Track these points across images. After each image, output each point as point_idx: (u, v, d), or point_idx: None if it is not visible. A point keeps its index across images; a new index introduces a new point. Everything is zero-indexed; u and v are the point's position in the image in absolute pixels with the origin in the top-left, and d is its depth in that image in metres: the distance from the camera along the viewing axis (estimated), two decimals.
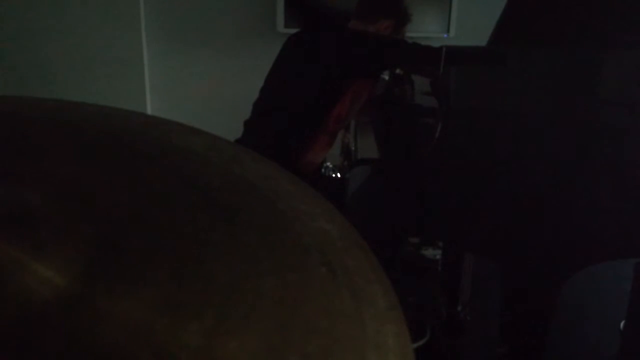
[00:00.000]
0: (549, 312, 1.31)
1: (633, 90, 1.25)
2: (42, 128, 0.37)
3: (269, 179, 0.35)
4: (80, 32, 2.78)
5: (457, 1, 2.93)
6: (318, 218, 0.31)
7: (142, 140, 0.37)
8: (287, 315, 0.24)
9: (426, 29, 2.95)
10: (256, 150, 0.38)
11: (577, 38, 1.41)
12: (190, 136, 0.39)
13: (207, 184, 0.33)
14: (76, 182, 0.32)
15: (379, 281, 0.27)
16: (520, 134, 1.26)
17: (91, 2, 2.76)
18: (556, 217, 1.26)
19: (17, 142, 0.35)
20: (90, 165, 0.34)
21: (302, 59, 1.84)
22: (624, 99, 1.25)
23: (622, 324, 1.79)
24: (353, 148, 2.31)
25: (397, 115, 1.88)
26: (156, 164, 0.35)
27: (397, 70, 1.94)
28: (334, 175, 2.41)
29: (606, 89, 1.25)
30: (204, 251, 0.27)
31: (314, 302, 0.25)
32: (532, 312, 1.32)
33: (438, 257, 2.44)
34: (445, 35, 2.98)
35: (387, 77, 2.00)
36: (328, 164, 2.48)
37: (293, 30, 2.03)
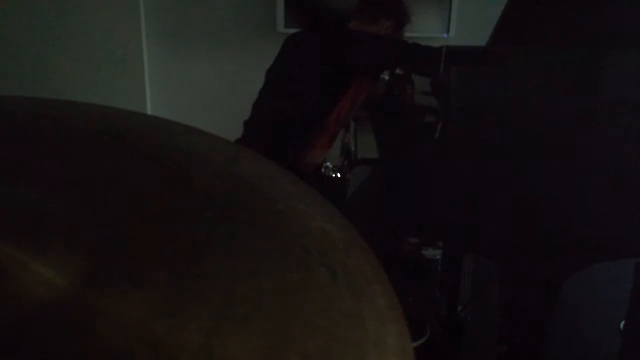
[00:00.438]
0: (549, 312, 1.31)
1: (633, 90, 1.25)
2: (42, 128, 0.37)
3: (269, 179, 0.35)
4: (80, 32, 2.78)
5: (457, 1, 2.93)
6: (318, 218, 0.31)
7: (142, 140, 0.37)
8: (287, 315, 0.24)
9: (426, 29, 2.95)
10: (256, 150, 0.38)
11: (577, 38, 1.41)
12: (190, 136, 0.39)
13: (207, 184, 0.33)
14: (76, 182, 0.32)
15: (379, 281, 0.27)
16: (520, 134, 1.26)
17: (91, 2, 2.76)
18: (556, 217, 1.26)
19: (17, 142, 0.35)
20: (90, 165, 0.34)
21: (302, 60, 1.84)
22: (624, 99, 1.25)
23: (622, 324, 1.79)
24: (353, 148, 2.31)
25: (397, 115, 1.88)
26: (156, 164, 0.35)
27: (397, 70, 1.94)
28: (334, 175, 2.41)
29: (606, 89, 1.25)
30: (204, 251, 0.27)
31: (314, 302, 0.25)
32: (532, 312, 1.32)
33: (438, 257, 2.44)
34: (445, 35, 2.97)
35: (387, 77, 2.00)
36: (328, 164, 2.48)
37: (293, 31, 2.03)
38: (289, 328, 0.23)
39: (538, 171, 1.25)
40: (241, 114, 1.89)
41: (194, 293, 0.24)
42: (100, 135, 0.37)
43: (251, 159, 0.37)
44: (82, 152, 0.35)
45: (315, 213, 0.32)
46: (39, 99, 0.42)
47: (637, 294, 1.57)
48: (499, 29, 1.49)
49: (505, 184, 1.27)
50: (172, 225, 0.29)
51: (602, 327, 2.05)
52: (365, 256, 0.29)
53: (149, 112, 2.96)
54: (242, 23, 2.98)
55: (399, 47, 1.76)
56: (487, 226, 1.28)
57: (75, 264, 0.24)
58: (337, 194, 1.92)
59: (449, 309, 2.05)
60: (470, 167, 1.29)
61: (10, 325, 0.21)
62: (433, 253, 2.50)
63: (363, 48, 1.74)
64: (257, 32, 2.97)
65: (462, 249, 1.89)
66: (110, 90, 2.82)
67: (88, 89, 2.81)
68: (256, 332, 0.22)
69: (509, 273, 1.35)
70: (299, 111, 1.75)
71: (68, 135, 0.37)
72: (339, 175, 2.40)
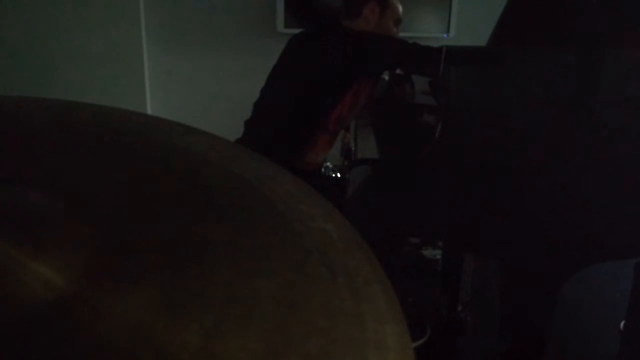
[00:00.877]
0: (549, 311, 1.31)
1: (633, 90, 1.25)
2: (42, 128, 0.37)
3: (269, 179, 0.35)
4: (80, 32, 2.78)
5: (457, 1, 2.93)
6: (318, 218, 0.31)
7: (142, 140, 0.37)
8: (287, 315, 0.24)
9: (426, 29, 2.95)
10: (257, 150, 0.38)
11: (577, 38, 1.41)
12: (190, 136, 0.39)
13: (207, 184, 0.33)
14: (76, 182, 0.32)
15: (379, 281, 0.27)
16: (520, 134, 1.26)
17: (91, 2, 2.76)
18: (556, 217, 1.26)
19: (17, 142, 0.35)
20: (90, 165, 0.34)
21: (304, 60, 1.84)
22: (624, 99, 1.25)
23: (622, 324, 1.79)
24: (353, 148, 2.31)
25: (397, 115, 1.88)
26: (156, 164, 0.35)
27: (397, 70, 1.94)
28: (334, 175, 2.41)
29: (606, 89, 1.25)
30: (204, 251, 0.27)
31: (314, 302, 0.25)
32: (532, 312, 1.32)
33: (438, 257, 2.44)
34: (445, 35, 2.97)
35: (387, 77, 2.00)
36: (328, 164, 2.48)
37: (293, 30, 2.03)
38: (289, 328, 0.23)
39: (538, 171, 1.25)
40: (241, 114, 1.89)
41: (194, 293, 0.24)
42: (100, 135, 0.37)
43: (251, 159, 0.37)
44: (82, 152, 0.35)
45: (315, 213, 0.32)
46: (39, 99, 0.42)
47: (637, 294, 1.57)
48: (499, 29, 1.49)
49: (505, 184, 1.27)
50: (172, 225, 0.29)
51: (602, 327, 2.05)
52: (365, 256, 0.29)
53: (149, 112, 2.96)
54: (242, 23, 2.98)
55: (400, 47, 1.76)
56: (486, 226, 1.28)
57: (75, 264, 0.24)
58: (337, 194, 1.92)
59: (449, 309, 2.04)
60: (470, 167, 1.29)
61: (10, 325, 0.21)
62: (433, 253, 2.50)
63: (364, 47, 1.74)
64: (257, 32, 2.97)
65: (462, 249, 1.89)
66: (110, 90, 2.82)
67: (88, 89, 2.81)
68: (256, 332, 0.22)
69: (509, 273, 1.35)
70: (300, 111, 1.75)
71: (68, 135, 0.37)
72: (339, 175, 2.40)
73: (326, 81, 1.73)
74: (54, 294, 0.23)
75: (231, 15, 2.97)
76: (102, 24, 2.78)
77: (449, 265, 2.13)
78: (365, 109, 1.99)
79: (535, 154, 1.26)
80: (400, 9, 1.88)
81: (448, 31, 2.97)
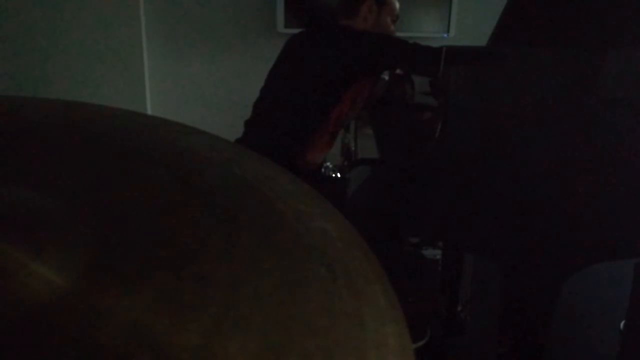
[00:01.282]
0: (549, 312, 1.31)
1: (633, 90, 1.25)
2: (42, 128, 0.37)
3: (269, 179, 0.35)
4: (80, 32, 2.78)
5: (457, 1, 2.93)
6: (318, 218, 0.31)
7: (142, 140, 0.37)
8: (287, 315, 0.24)
9: (426, 29, 2.95)
10: (257, 150, 0.38)
11: (577, 38, 1.41)
12: (190, 136, 0.39)
13: (207, 184, 0.33)
14: (76, 182, 0.32)
15: (379, 281, 0.27)
16: (520, 134, 1.26)
17: (91, 2, 2.76)
18: (556, 217, 1.26)
19: (17, 142, 0.35)
20: (90, 165, 0.34)
21: (303, 60, 1.84)
22: (624, 98, 1.25)
23: (622, 324, 1.79)
24: (353, 148, 2.31)
25: (397, 115, 1.88)
26: (156, 164, 0.35)
27: (397, 70, 1.94)
28: (334, 175, 2.41)
29: (606, 89, 1.25)
30: (204, 251, 0.27)
31: (314, 302, 0.25)
32: (532, 313, 1.32)
33: (438, 257, 2.44)
34: (445, 35, 2.97)
35: (387, 77, 2.00)
36: (328, 164, 2.48)
37: (293, 30, 2.03)
38: (289, 328, 0.23)
39: (538, 171, 1.25)
40: (241, 114, 1.89)
41: (194, 293, 0.24)
42: (101, 135, 0.37)
43: (251, 159, 0.37)
44: (82, 152, 0.35)
45: (315, 213, 0.32)
46: (39, 99, 0.42)
47: (637, 294, 1.57)
48: (499, 29, 1.49)
49: (505, 184, 1.27)
50: (172, 225, 0.29)
51: (602, 327, 2.05)
52: (365, 256, 0.29)
53: (149, 112, 2.96)
54: (242, 23, 2.98)
55: (399, 46, 1.76)
56: (487, 226, 1.28)
57: (75, 264, 0.24)
58: (337, 194, 1.92)
59: (449, 309, 2.05)
60: (470, 167, 1.29)
61: (10, 325, 0.21)
62: (433, 253, 2.50)
63: (363, 47, 1.74)
64: (257, 32, 2.98)
65: (462, 249, 1.89)
66: (110, 90, 2.82)
67: (88, 89, 2.81)
68: (256, 332, 0.22)
69: (509, 273, 1.35)
70: (300, 110, 1.75)
71: (68, 135, 0.37)
72: (339, 175, 2.40)
73: (326, 81, 1.73)
74: (54, 294, 0.23)
75: (231, 15, 2.97)
76: (102, 24, 2.78)
77: (449, 265, 2.13)
78: (365, 109, 1.99)
79: (535, 154, 1.26)
80: (398, 6, 1.88)
81: (448, 31, 2.97)
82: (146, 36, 2.89)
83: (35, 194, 0.29)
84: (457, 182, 1.29)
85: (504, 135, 1.27)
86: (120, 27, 2.80)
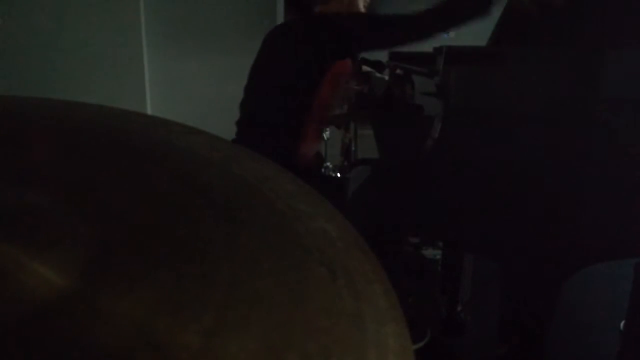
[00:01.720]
0: (549, 312, 1.31)
1: (633, 90, 1.25)
2: (42, 128, 0.37)
3: (269, 179, 0.35)
4: (80, 32, 2.78)
5: None
6: (318, 218, 0.31)
7: (142, 140, 0.37)
8: (287, 315, 0.24)
9: None
10: (250, 149, 0.38)
11: (577, 38, 1.41)
12: (190, 136, 0.39)
13: (207, 184, 0.33)
14: (76, 182, 0.32)
15: (379, 281, 0.27)
16: (520, 134, 1.26)
17: (91, 2, 2.76)
18: (556, 217, 1.26)
19: (17, 142, 0.35)
20: (90, 165, 0.34)
21: (277, 52, 1.87)
22: (624, 98, 1.25)
23: (622, 324, 1.79)
24: (353, 148, 2.31)
25: (397, 115, 1.87)
26: (156, 164, 0.35)
27: (397, 71, 1.94)
28: (334, 175, 2.41)
29: (606, 88, 1.25)
30: (204, 251, 0.27)
31: (314, 302, 0.25)
32: (532, 312, 1.32)
33: (438, 257, 2.44)
34: (445, 36, 2.97)
35: (387, 77, 2.00)
36: (328, 164, 2.48)
37: None
38: (289, 328, 0.23)
39: (538, 171, 1.25)
40: None
41: (194, 293, 0.24)
42: (101, 135, 0.37)
43: (251, 159, 0.37)
44: (82, 152, 0.35)
45: (315, 213, 0.32)
46: (40, 99, 0.42)
47: (637, 294, 1.57)
48: (499, 29, 1.49)
49: (505, 184, 1.27)
50: (172, 225, 0.29)
51: (602, 327, 2.05)
52: (365, 256, 0.29)
53: (149, 112, 2.96)
54: (242, 23, 2.98)
55: (368, 19, 1.79)
56: (487, 226, 1.28)
57: (75, 264, 0.24)
58: (337, 194, 1.92)
59: (449, 309, 2.05)
60: (470, 167, 1.28)
61: (10, 325, 0.21)
62: (433, 253, 2.50)
63: (330, 30, 1.77)
64: (257, 32, 2.97)
65: (462, 249, 1.89)
66: (110, 90, 2.82)
67: (88, 89, 2.81)
68: (256, 332, 0.22)
69: (509, 273, 1.35)
70: (283, 103, 1.77)
71: (68, 135, 0.37)
72: (339, 175, 2.40)
73: (302, 68, 1.75)
74: (54, 294, 0.23)
75: (231, 15, 2.97)
76: (102, 24, 2.78)
77: (449, 265, 2.13)
78: (365, 109, 1.98)
79: (535, 154, 1.25)
80: None
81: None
82: (146, 36, 2.89)
83: (35, 194, 0.29)
84: (457, 182, 1.29)
85: (503, 135, 1.27)
86: (120, 27, 2.80)
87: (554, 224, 1.26)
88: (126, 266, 0.25)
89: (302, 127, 1.76)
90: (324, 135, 2.38)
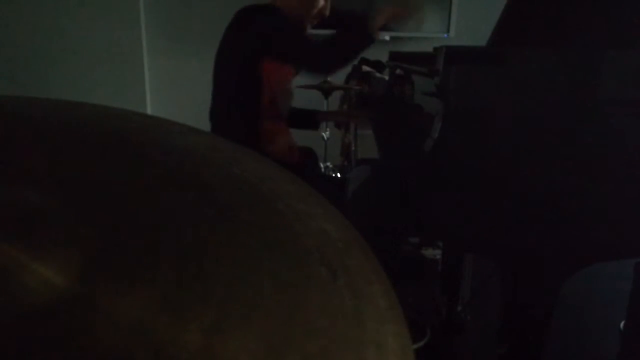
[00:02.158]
0: (549, 312, 1.31)
1: (633, 90, 1.25)
2: (42, 128, 0.37)
3: (269, 179, 0.35)
4: (80, 32, 2.78)
5: (457, 1, 2.93)
6: (318, 218, 0.31)
7: (142, 140, 0.37)
8: (287, 315, 0.24)
9: (426, 29, 2.95)
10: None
11: (577, 38, 1.41)
12: (190, 136, 0.39)
13: (207, 184, 0.33)
14: (76, 182, 0.32)
15: (379, 281, 0.27)
16: (520, 134, 1.26)
17: (91, 2, 2.76)
18: (556, 217, 1.26)
19: (17, 142, 0.35)
20: (90, 165, 0.34)
21: (224, 52, 1.93)
22: (624, 99, 1.25)
23: (622, 324, 1.79)
24: (353, 148, 2.31)
25: (397, 115, 1.87)
26: (156, 164, 0.35)
27: (397, 71, 1.94)
28: (334, 175, 2.41)
29: (606, 89, 1.25)
30: (204, 251, 0.27)
31: (314, 302, 0.25)
32: (532, 312, 1.32)
33: (438, 257, 2.44)
34: (445, 35, 2.98)
35: (387, 77, 2.00)
36: (328, 164, 2.48)
37: None
38: (289, 328, 0.23)
39: (538, 171, 1.25)
40: None
41: (194, 293, 0.24)
42: (101, 135, 0.37)
43: (251, 159, 0.37)
44: (82, 152, 0.35)
45: (315, 213, 0.32)
46: (40, 99, 0.42)
47: (637, 294, 1.57)
48: (499, 29, 1.49)
49: (505, 184, 1.27)
50: (172, 225, 0.29)
51: (602, 327, 2.05)
52: (365, 256, 0.29)
53: (149, 112, 2.96)
54: None
55: (297, 40, 1.82)
56: (487, 226, 1.28)
57: (75, 263, 0.24)
58: (337, 194, 1.92)
59: (449, 309, 2.05)
60: (470, 167, 1.28)
61: (10, 326, 0.21)
62: (433, 253, 2.50)
63: (248, 31, 1.82)
64: None
65: (462, 249, 1.89)
66: (110, 90, 2.82)
67: (88, 88, 2.81)
68: (256, 332, 0.22)
69: (509, 273, 1.35)
70: (233, 101, 1.83)
71: (68, 135, 0.37)
72: (339, 175, 2.40)
73: (239, 61, 1.80)
74: (54, 294, 0.23)
75: (231, 15, 2.97)
76: (102, 24, 2.79)
77: (449, 265, 2.13)
78: (365, 109, 1.98)
79: (535, 154, 1.26)
80: None
81: (448, 31, 2.97)
82: (146, 36, 2.89)
83: (35, 194, 0.29)
84: (457, 181, 1.29)
85: (503, 135, 1.27)
86: (120, 27, 2.80)
87: (554, 224, 1.26)
88: (126, 266, 0.25)
89: (260, 127, 1.79)
90: (323, 135, 2.38)
